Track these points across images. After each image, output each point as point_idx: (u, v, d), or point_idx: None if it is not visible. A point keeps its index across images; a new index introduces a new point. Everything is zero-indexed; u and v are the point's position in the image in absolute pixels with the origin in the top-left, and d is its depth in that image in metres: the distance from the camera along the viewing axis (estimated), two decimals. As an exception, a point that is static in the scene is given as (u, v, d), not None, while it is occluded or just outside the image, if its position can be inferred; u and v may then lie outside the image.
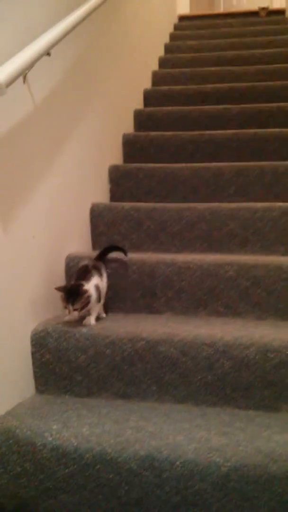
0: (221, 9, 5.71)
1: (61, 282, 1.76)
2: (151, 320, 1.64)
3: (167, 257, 1.77)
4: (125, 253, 1.77)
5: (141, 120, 2.94)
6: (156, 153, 2.62)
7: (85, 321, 1.55)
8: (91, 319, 1.56)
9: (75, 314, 1.48)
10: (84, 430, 1.24)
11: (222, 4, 5.74)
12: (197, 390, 1.41)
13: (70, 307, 1.47)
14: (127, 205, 2.08)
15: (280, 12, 4.56)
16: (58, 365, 1.49)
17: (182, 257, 1.76)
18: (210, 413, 1.35)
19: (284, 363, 1.37)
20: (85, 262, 1.63)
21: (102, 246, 1.86)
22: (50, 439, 1.21)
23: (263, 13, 4.38)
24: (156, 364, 1.44)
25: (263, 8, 4.46)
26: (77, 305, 1.47)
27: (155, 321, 1.62)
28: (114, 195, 2.38)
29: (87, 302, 1.50)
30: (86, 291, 1.48)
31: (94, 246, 2.08)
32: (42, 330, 1.50)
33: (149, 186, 2.34)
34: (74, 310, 1.47)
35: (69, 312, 1.48)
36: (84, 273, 1.56)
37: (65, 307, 1.48)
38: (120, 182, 2.37)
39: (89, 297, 1.49)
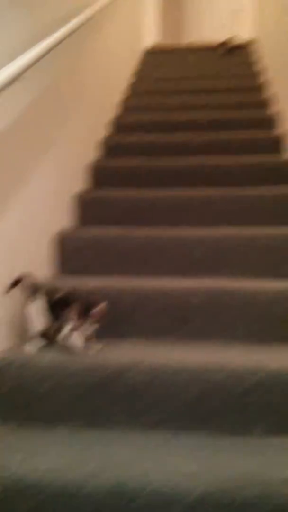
0: (188, 40, 5.87)
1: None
2: (119, 346, 1.60)
3: (135, 282, 1.75)
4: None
5: (108, 147, 2.95)
6: (123, 180, 2.63)
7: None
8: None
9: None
10: (47, 461, 1.18)
11: (189, 36, 5.91)
12: (167, 416, 1.37)
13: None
14: (94, 230, 2.06)
15: (247, 44, 4.72)
16: (20, 395, 1.43)
17: (150, 283, 1.74)
18: (180, 440, 1.31)
19: (255, 387, 1.35)
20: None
21: (68, 272, 1.83)
22: (12, 471, 1.15)
23: (228, 46, 4.46)
24: (124, 391, 1.39)
25: (228, 40, 4.53)
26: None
27: (123, 347, 1.58)
28: (82, 221, 2.36)
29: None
30: (97, 310, 1.50)
31: (60, 272, 2.05)
32: (3, 359, 1.45)
33: (117, 212, 2.33)
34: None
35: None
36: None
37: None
38: (88, 207, 2.35)
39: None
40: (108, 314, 1.67)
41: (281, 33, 3.16)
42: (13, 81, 1.46)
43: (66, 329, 1.51)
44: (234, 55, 4.39)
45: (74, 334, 1.51)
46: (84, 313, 1.47)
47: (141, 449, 1.26)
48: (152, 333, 1.69)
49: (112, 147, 2.93)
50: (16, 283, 1.56)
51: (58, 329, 1.53)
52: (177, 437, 1.33)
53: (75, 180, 2.40)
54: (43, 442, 1.30)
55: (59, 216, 2.14)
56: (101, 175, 2.65)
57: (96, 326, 1.49)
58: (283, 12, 3.00)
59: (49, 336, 1.54)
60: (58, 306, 1.55)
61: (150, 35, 5.15)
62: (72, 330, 1.51)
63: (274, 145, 2.79)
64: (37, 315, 1.55)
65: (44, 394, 1.41)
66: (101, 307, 1.51)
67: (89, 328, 1.47)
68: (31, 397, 1.42)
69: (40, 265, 1.90)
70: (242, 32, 5.07)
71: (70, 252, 2.04)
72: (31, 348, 1.51)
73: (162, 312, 1.69)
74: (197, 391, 1.36)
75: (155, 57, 4.62)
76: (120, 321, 1.70)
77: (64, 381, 1.41)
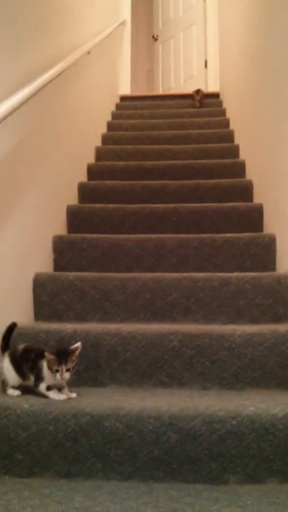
0: (160, 91, 6.10)
1: (2, 355, 1.70)
2: (96, 393, 1.61)
3: (112, 327, 1.77)
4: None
5: (85, 192, 3.02)
6: (99, 224, 2.68)
7: (65, 394, 1.52)
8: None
9: (67, 375, 1.47)
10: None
11: (161, 86, 6.14)
12: (144, 465, 1.37)
13: (64, 368, 1.45)
14: (71, 274, 2.09)
15: (215, 95, 4.94)
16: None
17: (127, 327, 1.76)
18: (157, 489, 1.31)
19: (230, 433, 1.37)
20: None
21: (44, 317, 1.84)
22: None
23: (197, 97, 4.63)
24: (101, 440, 1.39)
25: (197, 92, 4.69)
26: (70, 364, 1.47)
27: (100, 394, 1.58)
28: (58, 265, 2.39)
29: (76, 362, 1.49)
30: (77, 348, 1.49)
31: (36, 317, 2.05)
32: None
33: (93, 256, 2.37)
34: (67, 370, 1.46)
35: (61, 375, 1.46)
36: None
37: (57, 370, 1.46)
38: (64, 252, 2.39)
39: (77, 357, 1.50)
40: (86, 359, 1.69)
41: (240, 87, 3.35)
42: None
43: (42, 387, 1.51)
44: (203, 105, 4.58)
45: (50, 392, 1.51)
46: (58, 359, 1.47)
47: (119, 500, 1.25)
48: (129, 378, 1.70)
49: (89, 192, 3.00)
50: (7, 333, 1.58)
51: (35, 385, 1.53)
52: (152, 488, 1.33)
53: (51, 224, 2.44)
54: (20, 494, 1.28)
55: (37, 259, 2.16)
56: (77, 219, 2.69)
57: (72, 370, 1.49)
58: (241, 68, 3.19)
59: (27, 388, 1.55)
60: (26, 358, 1.55)
61: (124, 85, 5.34)
62: (48, 387, 1.51)
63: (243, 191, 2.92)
64: (9, 371, 1.56)
65: (23, 443, 1.40)
66: (77, 345, 1.51)
67: (65, 374, 1.47)
68: (9, 447, 1.40)
69: (17, 309, 1.90)
70: (210, 84, 5.31)
71: (47, 296, 2.06)
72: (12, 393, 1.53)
73: (140, 356, 1.70)
74: (173, 439, 1.37)
75: (129, 106, 4.78)
76: (98, 366, 1.71)
77: (45, 428, 1.40)
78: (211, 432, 1.37)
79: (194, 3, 5.68)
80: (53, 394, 1.50)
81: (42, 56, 2.23)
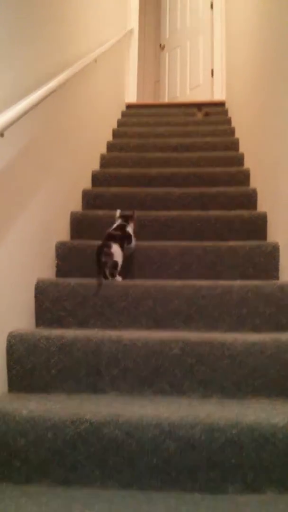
0: (166, 99, 6.12)
1: (1, 362, 1.70)
2: (95, 400, 1.60)
3: (113, 334, 1.76)
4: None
5: (89, 199, 3.02)
6: (103, 231, 2.68)
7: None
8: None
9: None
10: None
11: (167, 94, 6.16)
12: (143, 473, 1.37)
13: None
14: (73, 281, 2.09)
15: (221, 104, 4.95)
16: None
17: (128, 334, 1.76)
18: (156, 498, 1.30)
19: (230, 442, 1.36)
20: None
21: (46, 323, 1.84)
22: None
23: (199, 114, 4.49)
24: (100, 447, 1.39)
25: (199, 108, 4.56)
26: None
27: (99, 401, 1.58)
28: (61, 270, 2.39)
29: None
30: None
31: (37, 323, 2.05)
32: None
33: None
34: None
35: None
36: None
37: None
38: (67, 258, 2.39)
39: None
40: (87, 366, 1.68)
41: (246, 96, 3.35)
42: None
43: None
44: (210, 115, 4.58)
45: None
46: None
47: (117, 508, 1.24)
48: (129, 386, 1.69)
49: (93, 199, 3.01)
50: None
51: None
52: (151, 496, 1.32)
53: (55, 230, 2.44)
54: (17, 502, 1.27)
55: (39, 264, 2.17)
56: (81, 225, 2.70)
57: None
58: (247, 77, 3.20)
59: None
60: None
61: (130, 93, 5.37)
62: None
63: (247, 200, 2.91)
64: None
65: (21, 449, 1.40)
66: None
67: None
68: (8, 453, 1.40)
69: (19, 314, 1.90)
70: (216, 92, 5.33)
71: (49, 302, 2.05)
72: None
73: (140, 363, 1.70)
74: (173, 447, 1.36)
75: (134, 114, 4.80)
76: (98, 373, 1.71)
77: (44, 434, 1.39)
78: (211, 441, 1.36)
79: (201, 13, 5.71)
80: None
81: (50, 64, 2.25)
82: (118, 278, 2.12)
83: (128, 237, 2.29)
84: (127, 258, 2.26)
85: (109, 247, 2.11)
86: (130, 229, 2.34)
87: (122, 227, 2.31)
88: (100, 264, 2.08)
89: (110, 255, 2.10)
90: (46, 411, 1.44)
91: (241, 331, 1.97)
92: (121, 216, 2.41)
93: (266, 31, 2.74)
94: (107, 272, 2.10)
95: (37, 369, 1.72)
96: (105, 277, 2.09)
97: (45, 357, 1.72)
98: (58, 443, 1.39)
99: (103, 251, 2.09)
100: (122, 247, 2.19)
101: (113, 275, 2.11)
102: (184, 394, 1.68)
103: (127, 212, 2.45)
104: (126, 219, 2.38)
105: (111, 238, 2.18)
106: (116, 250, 2.13)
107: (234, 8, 4.30)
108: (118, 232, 2.25)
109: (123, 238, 2.24)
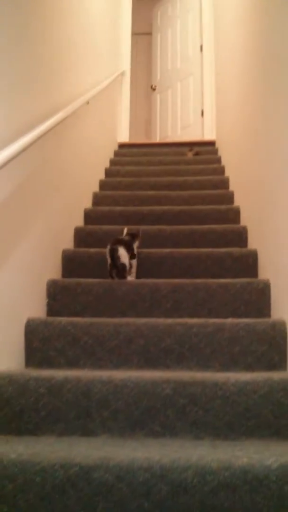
0: (157, 138, 6.26)
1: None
2: (85, 443, 1.57)
3: (104, 374, 1.74)
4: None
5: (81, 236, 3.04)
6: (94, 269, 2.69)
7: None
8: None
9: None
10: None
11: (158, 134, 6.30)
12: (133, 520, 1.33)
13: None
14: (64, 320, 2.08)
15: (211, 143, 5.07)
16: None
17: (119, 375, 1.74)
18: None
19: (223, 485, 1.33)
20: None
21: (35, 363, 1.81)
22: None
23: (190, 154, 4.61)
24: (90, 491, 1.35)
25: (190, 148, 4.71)
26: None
27: (89, 444, 1.55)
28: (51, 309, 2.38)
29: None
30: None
31: (27, 363, 2.03)
32: None
33: (87, 301, 2.36)
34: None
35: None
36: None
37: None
38: (58, 297, 2.38)
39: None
40: (77, 407, 1.66)
41: (235, 135, 3.44)
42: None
43: None
44: (200, 154, 4.68)
45: None
46: None
47: None
48: (120, 428, 1.66)
49: (85, 237, 3.03)
50: None
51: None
52: None
53: (46, 268, 2.45)
54: None
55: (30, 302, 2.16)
56: (72, 263, 2.71)
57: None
58: (236, 117, 3.29)
59: None
60: None
61: (122, 132, 5.49)
62: None
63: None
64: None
65: (9, 495, 1.35)
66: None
67: None
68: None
69: (8, 354, 1.88)
70: (207, 132, 5.46)
71: (39, 342, 2.04)
72: None
73: (132, 404, 1.67)
74: (164, 491, 1.33)
75: (127, 153, 4.89)
76: (88, 415, 1.68)
77: (32, 479, 1.35)
78: (203, 484, 1.33)
79: (191, 55, 5.91)
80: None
81: (43, 106, 2.30)
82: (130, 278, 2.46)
83: (133, 254, 2.55)
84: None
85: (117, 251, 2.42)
86: (135, 246, 2.59)
87: (129, 244, 2.54)
88: (115, 262, 2.40)
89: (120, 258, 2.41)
90: (35, 454, 1.41)
91: (234, 370, 1.96)
92: (128, 234, 2.66)
93: (255, 72, 2.83)
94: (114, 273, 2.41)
95: (26, 411, 1.69)
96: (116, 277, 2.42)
97: (34, 398, 1.69)
98: (46, 488, 1.35)
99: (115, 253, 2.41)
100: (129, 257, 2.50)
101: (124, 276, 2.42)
102: (176, 435, 1.65)
103: (134, 231, 2.71)
104: (132, 237, 2.61)
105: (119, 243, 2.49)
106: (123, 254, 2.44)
107: (223, 49, 4.45)
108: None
109: (129, 251, 2.49)
